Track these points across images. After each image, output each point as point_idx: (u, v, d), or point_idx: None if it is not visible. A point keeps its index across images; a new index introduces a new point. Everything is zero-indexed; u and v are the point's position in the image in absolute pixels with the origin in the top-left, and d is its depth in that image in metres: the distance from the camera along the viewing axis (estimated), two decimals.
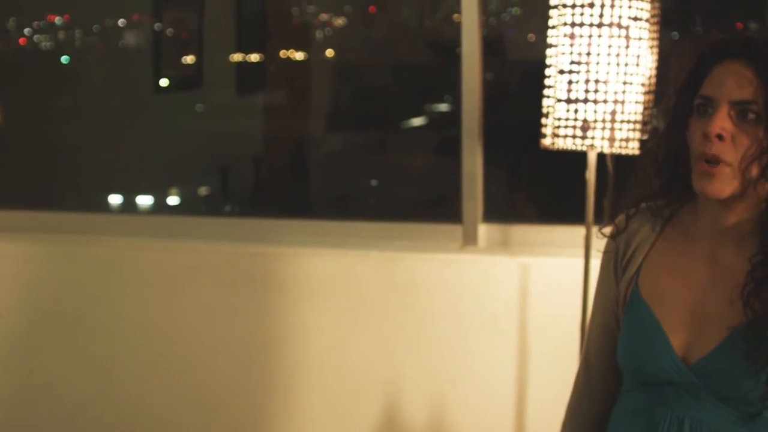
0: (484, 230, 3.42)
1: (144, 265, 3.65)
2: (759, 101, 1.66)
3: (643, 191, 1.86)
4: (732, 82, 1.69)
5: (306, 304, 3.46)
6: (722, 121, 1.67)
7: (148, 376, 3.64)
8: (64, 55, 5.71)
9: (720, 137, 1.67)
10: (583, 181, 2.97)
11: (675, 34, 3.53)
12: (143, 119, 5.29)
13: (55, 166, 4.81)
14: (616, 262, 1.90)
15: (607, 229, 1.91)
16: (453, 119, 5.21)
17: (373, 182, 5.33)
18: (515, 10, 5.62)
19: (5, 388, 3.74)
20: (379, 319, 3.40)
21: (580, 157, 2.96)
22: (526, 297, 3.24)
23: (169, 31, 5.70)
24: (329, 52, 6.48)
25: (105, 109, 5.28)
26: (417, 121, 5.05)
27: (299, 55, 6.04)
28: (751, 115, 1.67)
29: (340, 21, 6.60)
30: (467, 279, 3.33)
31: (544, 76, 2.97)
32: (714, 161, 1.68)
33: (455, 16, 6.22)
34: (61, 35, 5.70)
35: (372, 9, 6.46)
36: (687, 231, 1.82)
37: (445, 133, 4.68)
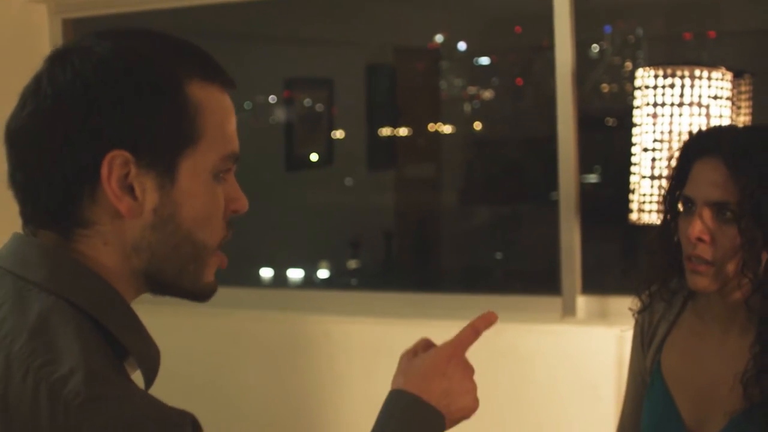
0: (582, 302, 3.51)
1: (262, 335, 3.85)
2: (732, 201, 1.71)
3: (656, 272, 1.95)
4: (707, 182, 1.74)
5: None
6: (700, 224, 1.74)
7: None
8: None
9: (700, 239, 1.74)
10: None
11: None
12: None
13: None
14: (642, 337, 1.99)
15: (634, 305, 2.01)
16: (598, 190, 5.25)
17: (498, 255, 5.43)
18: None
19: None
20: (482, 387, 3.49)
21: None
22: (623, 367, 3.29)
23: (317, 106, 5.98)
24: (476, 125, 6.63)
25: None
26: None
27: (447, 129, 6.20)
28: (728, 214, 1.72)
29: (487, 94, 6.75)
30: (566, 349, 3.41)
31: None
32: (699, 261, 1.76)
33: (603, 86, 6.30)
34: None
35: (519, 81, 6.60)
36: (702, 312, 1.89)
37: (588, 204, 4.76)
